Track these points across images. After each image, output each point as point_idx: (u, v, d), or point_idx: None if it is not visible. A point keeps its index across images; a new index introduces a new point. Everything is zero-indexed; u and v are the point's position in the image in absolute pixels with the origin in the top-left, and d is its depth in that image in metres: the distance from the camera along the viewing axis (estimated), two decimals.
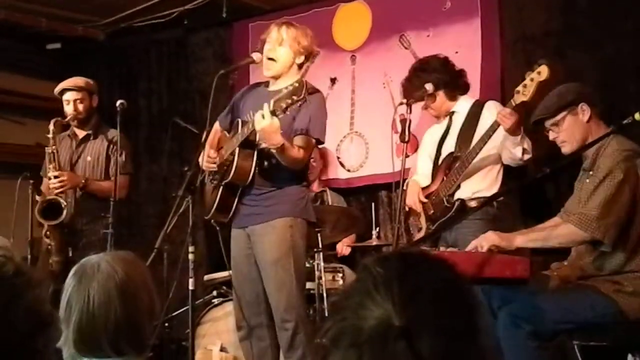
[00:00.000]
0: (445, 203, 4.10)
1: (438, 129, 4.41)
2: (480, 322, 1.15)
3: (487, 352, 1.14)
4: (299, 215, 3.87)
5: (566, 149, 3.31)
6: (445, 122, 4.36)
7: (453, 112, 4.31)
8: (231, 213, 3.93)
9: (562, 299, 3.09)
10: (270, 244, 3.81)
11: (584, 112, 3.24)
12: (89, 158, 4.97)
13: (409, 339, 1.07)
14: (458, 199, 4.06)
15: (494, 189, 4.12)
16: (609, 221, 3.02)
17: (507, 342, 2.93)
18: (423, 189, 4.31)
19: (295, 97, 3.50)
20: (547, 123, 3.33)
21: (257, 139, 3.79)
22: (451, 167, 4.14)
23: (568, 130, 3.27)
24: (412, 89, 4.29)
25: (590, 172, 3.17)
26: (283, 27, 3.87)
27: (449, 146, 4.25)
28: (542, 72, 3.60)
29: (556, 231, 3.14)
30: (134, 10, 6.07)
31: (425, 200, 4.25)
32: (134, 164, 5.21)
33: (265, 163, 3.84)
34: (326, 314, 4.19)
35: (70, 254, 4.74)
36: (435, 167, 4.30)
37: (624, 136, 3.17)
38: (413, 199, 4.29)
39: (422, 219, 4.27)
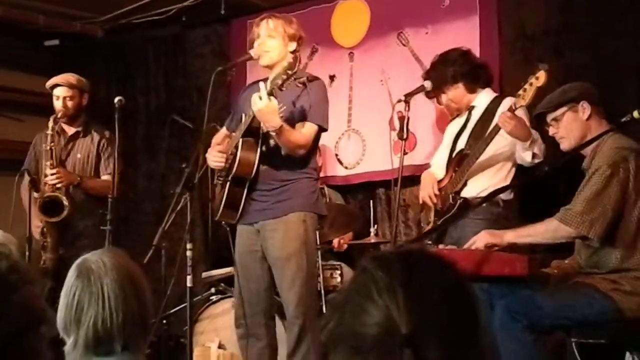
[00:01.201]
0: (451, 200, 4.07)
1: (458, 123, 4.36)
2: (482, 322, 1.14)
3: (487, 351, 1.14)
4: (311, 210, 3.84)
5: (564, 145, 3.33)
6: (465, 116, 4.30)
7: (473, 107, 4.25)
8: (240, 210, 3.85)
9: (560, 295, 3.10)
10: (283, 240, 3.77)
11: (585, 109, 3.25)
12: (79, 155, 4.95)
13: (415, 346, 1.06)
14: (461, 198, 4.02)
15: None
16: (594, 216, 3.03)
17: (503, 335, 2.94)
18: (437, 182, 4.25)
19: (289, 72, 3.50)
20: (548, 118, 3.36)
21: (261, 124, 3.74)
22: (460, 164, 4.11)
23: (567, 127, 3.29)
24: (431, 81, 4.24)
25: (589, 171, 3.17)
26: (266, 21, 3.88)
27: (463, 142, 4.21)
28: (540, 77, 3.58)
29: (543, 227, 3.15)
30: (132, 6, 6.06)
31: (437, 193, 4.21)
32: (131, 161, 5.21)
33: (272, 155, 3.80)
34: (324, 311, 4.20)
35: (61, 251, 4.74)
36: (449, 161, 4.26)
37: (623, 134, 3.18)
38: (427, 191, 4.24)
39: (432, 213, 4.24)
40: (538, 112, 3.40)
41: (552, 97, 3.37)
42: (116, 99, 4.51)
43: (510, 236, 3.14)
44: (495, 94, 4.27)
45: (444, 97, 4.35)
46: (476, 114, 4.22)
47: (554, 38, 4.70)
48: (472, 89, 4.24)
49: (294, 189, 3.80)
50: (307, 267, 3.79)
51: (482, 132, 4.03)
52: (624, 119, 3.00)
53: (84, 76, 5.12)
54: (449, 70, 4.21)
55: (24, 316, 1.34)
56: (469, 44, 4.68)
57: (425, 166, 5.06)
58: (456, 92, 4.25)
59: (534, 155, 3.90)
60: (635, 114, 2.92)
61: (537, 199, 4.11)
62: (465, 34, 5.01)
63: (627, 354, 3.14)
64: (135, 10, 6.13)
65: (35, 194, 4.73)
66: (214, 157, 3.93)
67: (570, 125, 3.27)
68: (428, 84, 4.20)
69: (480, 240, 3.11)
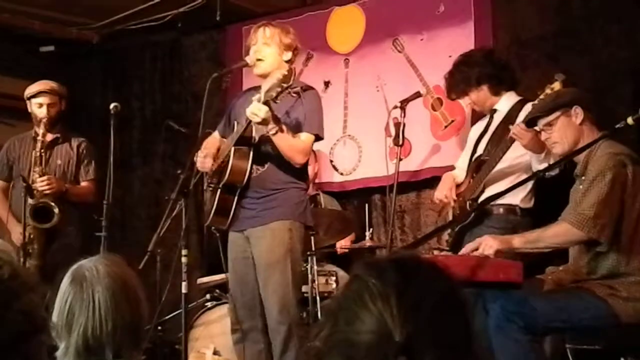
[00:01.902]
0: (467, 207, 4.02)
1: (481, 125, 4.29)
2: (475, 328, 1.14)
3: (482, 357, 1.13)
4: (297, 219, 3.85)
5: (557, 150, 3.32)
6: (487, 119, 4.23)
7: (495, 110, 4.16)
8: (230, 217, 3.88)
9: (556, 299, 3.09)
10: (268, 247, 3.79)
11: (577, 114, 3.24)
12: (59, 161, 4.92)
13: (410, 354, 1.06)
14: (477, 205, 3.94)
15: (520, 197, 3.98)
16: (605, 220, 3.02)
17: (499, 336, 2.93)
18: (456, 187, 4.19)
19: (284, 85, 3.50)
20: (541, 123, 3.34)
21: (254, 133, 3.76)
22: (478, 170, 4.05)
23: (560, 131, 3.28)
24: (453, 84, 4.21)
25: (583, 178, 3.17)
26: (263, 28, 3.90)
27: (483, 146, 4.14)
28: (556, 88, 3.55)
29: (552, 231, 3.12)
30: (128, 12, 6.06)
31: (455, 198, 4.15)
32: (126, 166, 5.20)
33: (263, 163, 3.82)
34: (319, 318, 4.19)
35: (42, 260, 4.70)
36: (469, 167, 4.20)
37: (616, 140, 3.18)
38: (444, 192, 4.18)
39: (450, 213, 4.19)
40: (531, 117, 3.40)
41: (545, 102, 3.38)
42: (112, 105, 4.51)
43: (518, 242, 3.11)
44: (518, 97, 4.15)
45: (466, 100, 4.29)
46: (497, 118, 4.15)
47: (549, 43, 4.70)
48: (496, 92, 4.14)
49: (281, 198, 3.83)
50: (292, 275, 3.79)
51: (502, 138, 3.96)
52: (617, 126, 3.00)
53: (79, 82, 5.14)
54: (474, 72, 4.12)
55: (25, 323, 1.35)
56: (464, 49, 4.69)
57: (421, 172, 5.09)
58: (479, 95, 4.16)
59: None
60: (629, 120, 2.92)
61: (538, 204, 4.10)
62: (460, 40, 5.02)
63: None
64: (131, 17, 6.13)
65: (30, 200, 4.71)
66: (200, 161, 3.95)
67: (564, 130, 3.27)
68: (423, 90, 4.18)
69: (488, 246, 3.04)
